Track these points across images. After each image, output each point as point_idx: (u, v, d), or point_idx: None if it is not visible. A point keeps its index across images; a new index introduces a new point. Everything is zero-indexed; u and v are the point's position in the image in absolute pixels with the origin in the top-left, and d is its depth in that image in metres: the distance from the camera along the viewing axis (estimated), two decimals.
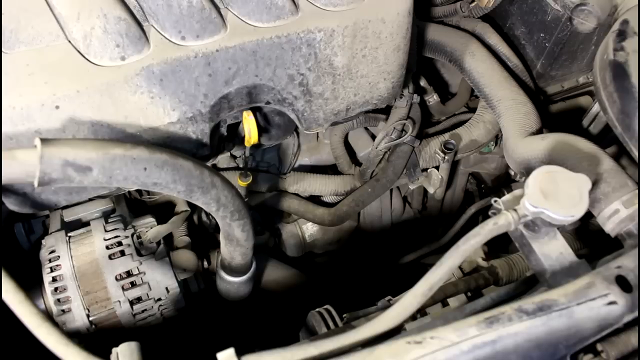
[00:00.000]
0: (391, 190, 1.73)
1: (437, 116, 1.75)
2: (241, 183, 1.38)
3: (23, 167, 0.77)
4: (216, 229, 1.33)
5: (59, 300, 1.16)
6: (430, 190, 1.63)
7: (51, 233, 1.27)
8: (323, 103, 1.23)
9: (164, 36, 1.03)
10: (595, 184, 1.03)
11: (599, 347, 0.85)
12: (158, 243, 1.29)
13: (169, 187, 0.89)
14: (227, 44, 1.05)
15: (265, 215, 1.74)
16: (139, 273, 1.21)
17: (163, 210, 1.48)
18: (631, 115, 1.07)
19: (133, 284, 1.20)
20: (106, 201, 1.37)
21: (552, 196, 0.80)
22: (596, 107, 1.59)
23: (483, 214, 1.77)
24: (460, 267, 1.27)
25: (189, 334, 1.39)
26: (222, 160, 1.52)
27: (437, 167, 1.58)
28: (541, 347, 0.76)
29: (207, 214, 1.58)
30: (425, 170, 1.60)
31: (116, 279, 1.19)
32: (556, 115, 1.70)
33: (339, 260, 1.82)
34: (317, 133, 1.65)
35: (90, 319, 1.15)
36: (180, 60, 1.02)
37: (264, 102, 1.19)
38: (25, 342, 1.15)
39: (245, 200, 1.36)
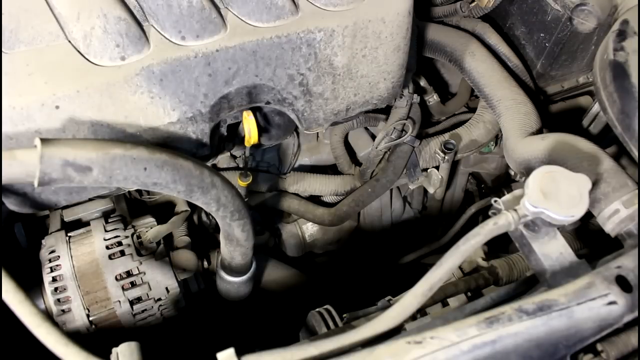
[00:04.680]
0: (391, 190, 1.73)
1: (437, 116, 1.75)
2: (241, 183, 1.38)
3: (23, 167, 0.77)
4: (216, 229, 1.33)
5: (59, 300, 1.16)
6: (430, 190, 1.63)
7: (51, 233, 1.27)
8: (323, 103, 1.23)
9: (164, 36, 1.03)
10: (595, 184, 1.03)
11: (599, 347, 0.85)
12: (158, 243, 1.29)
13: (169, 187, 0.89)
14: (227, 44, 1.05)
15: (265, 215, 1.74)
16: (139, 273, 1.21)
17: (163, 210, 1.48)
18: (631, 115, 1.07)
19: (133, 284, 1.20)
20: (106, 201, 1.37)
21: (552, 196, 0.80)
22: (596, 107, 1.59)
23: (483, 214, 1.77)
24: (460, 267, 1.27)
25: (189, 334, 1.38)
26: (222, 160, 1.52)
27: (437, 167, 1.58)
28: (541, 347, 0.76)
29: (207, 214, 1.58)
30: (425, 170, 1.60)
31: (116, 279, 1.19)
32: (556, 115, 1.70)
33: (339, 260, 1.82)
34: (317, 133, 1.65)
35: (90, 319, 1.15)
36: (180, 60, 1.02)
37: (264, 102, 1.19)
38: (25, 342, 1.15)
39: (245, 200, 1.36)
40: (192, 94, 1.06)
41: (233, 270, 1.23)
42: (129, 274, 1.20)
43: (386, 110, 1.53)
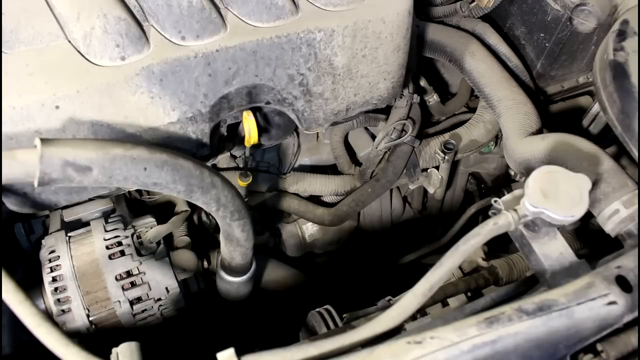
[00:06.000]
0: (391, 190, 1.73)
1: (437, 116, 1.75)
2: (241, 183, 1.38)
3: (23, 167, 0.77)
4: (216, 229, 1.33)
5: (59, 300, 1.16)
6: (430, 190, 1.63)
7: (51, 233, 1.27)
8: (323, 103, 1.23)
9: (164, 36, 1.03)
10: (595, 184, 1.03)
11: (599, 347, 0.85)
12: (158, 243, 1.29)
13: (169, 187, 0.89)
14: (227, 44, 1.05)
15: (265, 215, 1.74)
16: (139, 273, 1.21)
17: (163, 210, 1.48)
18: (631, 115, 1.07)
19: (133, 284, 1.20)
20: (106, 201, 1.37)
21: (552, 196, 0.80)
22: (596, 107, 1.59)
23: (483, 214, 1.77)
24: (460, 267, 1.27)
25: (189, 334, 1.38)
26: (222, 160, 1.52)
27: (437, 167, 1.58)
28: (541, 347, 0.76)
29: (207, 214, 1.58)
30: (425, 170, 1.60)
31: (116, 279, 1.19)
32: (556, 115, 1.70)
33: (339, 260, 1.82)
34: (317, 133, 1.65)
35: (90, 319, 1.15)
36: (180, 60, 1.02)
37: (264, 102, 1.19)
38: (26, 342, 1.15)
39: (245, 200, 1.36)
40: (192, 94, 1.06)
41: (233, 270, 1.23)
42: (129, 274, 1.20)
43: (386, 110, 1.52)
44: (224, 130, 1.22)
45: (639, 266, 0.84)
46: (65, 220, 1.32)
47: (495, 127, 1.58)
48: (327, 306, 1.10)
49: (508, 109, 1.40)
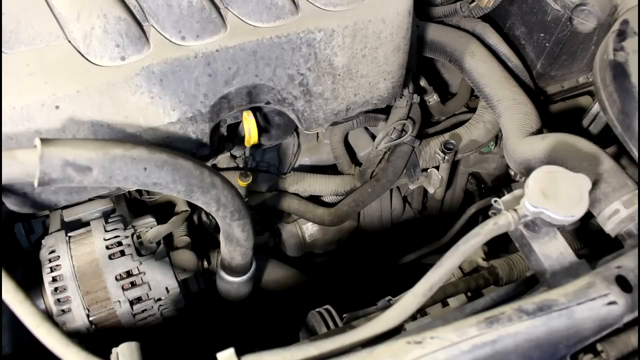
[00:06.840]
0: (391, 190, 1.73)
1: (437, 116, 1.75)
2: (241, 183, 1.38)
3: (23, 167, 0.77)
4: (216, 229, 1.33)
5: (59, 300, 1.16)
6: (430, 190, 1.63)
7: (51, 233, 1.27)
8: (323, 103, 1.23)
9: (164, 36, 1.03)
10: (595, 184, 1.03)
11: (599, 347, 0.85)
12: (158, 243, 1.29)
13: (169, 187, 0.89)
14: (227, 44, 1.05)
15: (265, 215, 1.74)
16: (139, 273, 1.21)
17: (163, 210, 1.48)
18: (631, 115, 1.07)
19: (133, 284, 1.20)
20: (106, 201, 1.37)
21: (552, 196, 0.80)
22: (596, 107, 1.59)
23: (483, 214, 1.77)
24: (460, 267, 1.27)
25: (189, 334, 1.39)
26: (222, 160, 1.52)
27: (437, 167, 1.58)
28: (541, 347, 0.76)
29: (207, 214, 1.58)
30: (425, 170, 1.60)
31: (116, 279, 1.19)
32: (556, 115, 1.70)
33: (339, 260, 1.82)
34: (317, 133, 1.65)
35: (90, 319, 1.15)
36: (180, 60, 1.02)
37: (264, 102, 1.19)
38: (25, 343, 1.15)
39: (245, 200, 1.36)
40: (192, 94, 1.06)
41: (233, 270, 1.23)
42: (129, 274, 1.20)
43: (386, 110, 1.52)
44: (224, 130, 1.22)
45: (639, 266, 0.84)
46: (65, 220, 1.32)
47: (495, 127, 1.59)
48: (327, 306, 1.10)
49: (508, 109, 1.40)
